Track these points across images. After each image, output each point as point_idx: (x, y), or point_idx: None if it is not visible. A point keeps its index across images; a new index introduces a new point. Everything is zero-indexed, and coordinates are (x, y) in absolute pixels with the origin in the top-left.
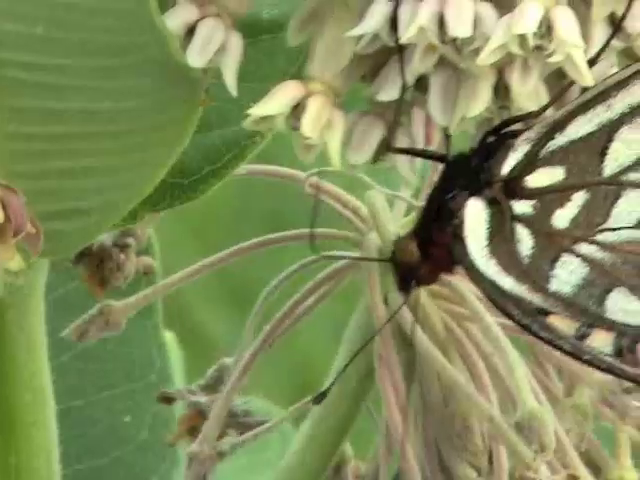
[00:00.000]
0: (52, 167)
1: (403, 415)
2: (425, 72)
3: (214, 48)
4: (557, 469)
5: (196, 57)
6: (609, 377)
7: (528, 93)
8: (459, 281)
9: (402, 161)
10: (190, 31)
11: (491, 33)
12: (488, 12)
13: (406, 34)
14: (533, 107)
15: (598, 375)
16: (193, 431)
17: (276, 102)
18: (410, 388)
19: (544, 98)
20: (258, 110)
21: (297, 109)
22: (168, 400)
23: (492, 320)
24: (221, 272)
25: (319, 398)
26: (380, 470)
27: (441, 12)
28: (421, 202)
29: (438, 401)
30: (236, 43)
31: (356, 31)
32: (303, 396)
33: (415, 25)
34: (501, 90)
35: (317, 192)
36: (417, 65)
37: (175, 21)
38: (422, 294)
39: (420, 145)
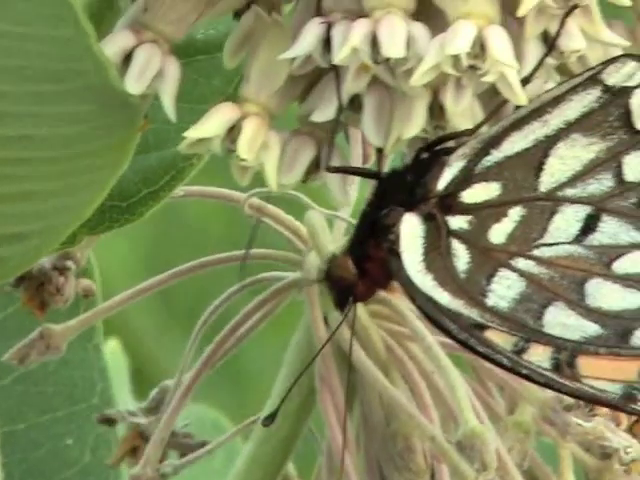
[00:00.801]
0: None
1: (345, 435)
2: (358, 91)
3: (151, 74)
4: None
5: (134, 84)
6: (550, 394)
7: (463, 112)
8: (399, 300)
9: (333, 180)
10: (127, 57)
11: (424, 53)
12: (421, 32)
13: (339, 55)
14: (468, 125)
15: (539, 393)
16: (134, 452)
17: (211, 124)
18: (352, 408)
19: (479, 116)
20: (194, 133)
21: (232, 131)
22: (108, 421)
23: (432, 339)
24: (167, 293)
25: (269, 420)
26: None
27: (374, 32)
28: None
29: (380, 421)
30: (173, 68)
31: (289, 54)
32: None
33: (348, 46)
34: (436, 110)
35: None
36: (350, 85)
37: (112, 48)
38: (363, 315)
39: (357, 164)
